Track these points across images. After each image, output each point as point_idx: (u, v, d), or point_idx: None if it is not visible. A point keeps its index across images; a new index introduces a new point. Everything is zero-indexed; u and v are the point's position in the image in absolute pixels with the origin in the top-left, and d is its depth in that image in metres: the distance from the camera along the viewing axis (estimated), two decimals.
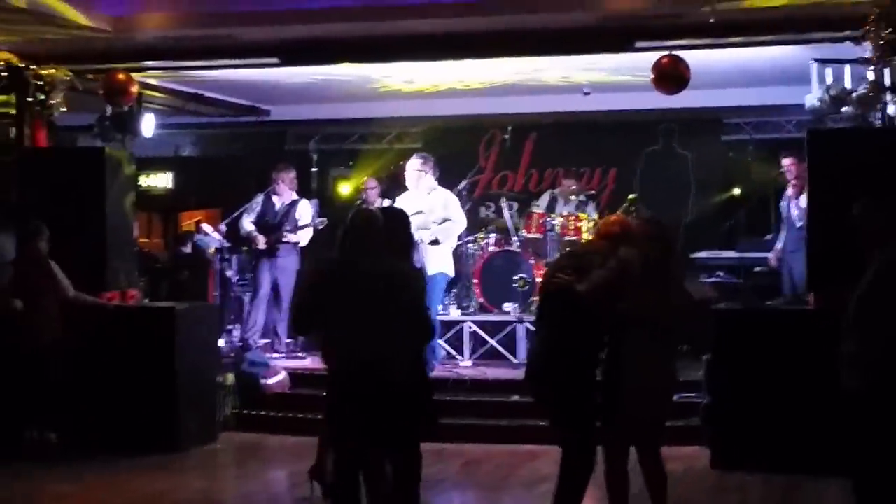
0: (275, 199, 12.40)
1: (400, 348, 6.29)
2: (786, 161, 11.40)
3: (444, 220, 11.10)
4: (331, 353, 6.55)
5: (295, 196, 12.49)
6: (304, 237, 12.32)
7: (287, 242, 12.18)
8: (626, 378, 6.63)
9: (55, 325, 9.46)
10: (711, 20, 9.04)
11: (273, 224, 12.24)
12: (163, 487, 8.57)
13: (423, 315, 6.55)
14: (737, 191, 13.86)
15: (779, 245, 11.58)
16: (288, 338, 12.34)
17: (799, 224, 10.78)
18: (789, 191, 11.39)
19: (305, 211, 12.40)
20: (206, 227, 13.22)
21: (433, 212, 11.10)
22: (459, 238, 11.83)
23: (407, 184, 11.43)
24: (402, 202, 11.16)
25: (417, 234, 10.49)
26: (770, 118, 13.72)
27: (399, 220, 6.91)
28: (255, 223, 12.27)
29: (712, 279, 12.29)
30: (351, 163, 14.56)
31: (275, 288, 12.21)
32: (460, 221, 11.44)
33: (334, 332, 6.44)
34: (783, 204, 11.55)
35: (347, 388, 6.35)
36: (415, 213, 10.92)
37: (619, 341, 6.70)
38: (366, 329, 6.25)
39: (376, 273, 6.34)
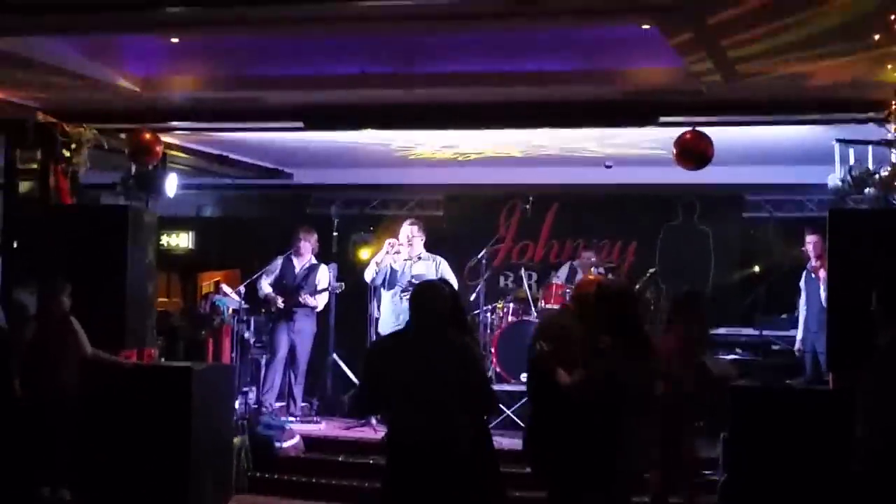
0: (295, 261, 12.46)
1: (464, 422, 6.23)
2: (810, 238, 11.34)
3: None
4: (398, 433, 6.47)
5: (314, 260, 12.56)
6: (321, 302, 12.37)
7: (305, 306, 12.22)
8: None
9: (73, 382, 9.46)
10: (735, 97, 9.11)
11: (291, 287, 12.29)
12: None
13: (485, 387, 6.47)
14: (756, 268, 13.83)
15: (800, 325, 11.53)
16: (303, 401, 12.34)
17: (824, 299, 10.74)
18: (813, 265, 11.33)
19: (324, 276, 12.46)
20: (225, 288, 13.24)
21: (428, 276, 11.15)
22: (477, 306, 11.85)
23: (400, 249, 11.53)
24: (393, 266, 11.30)
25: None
26: (792, 196, 13.72)
27: (456, 292, 6.92)
28: (273, 285, 12.33)
29: (730, 356, 12.24)
30: (372, 228, 14.60)
31: (291, 351, 12.26)
32: (455, 284, 11.50)
33: (402, 412, 6.39)
34: (803, 282, 11.52)
35: (416, 466, 6.28)
36: (409, 280, 11.11)
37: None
38: (435, 405, 6.22)
39: (442, 347, 6.32)
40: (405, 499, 6.35)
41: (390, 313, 11.60)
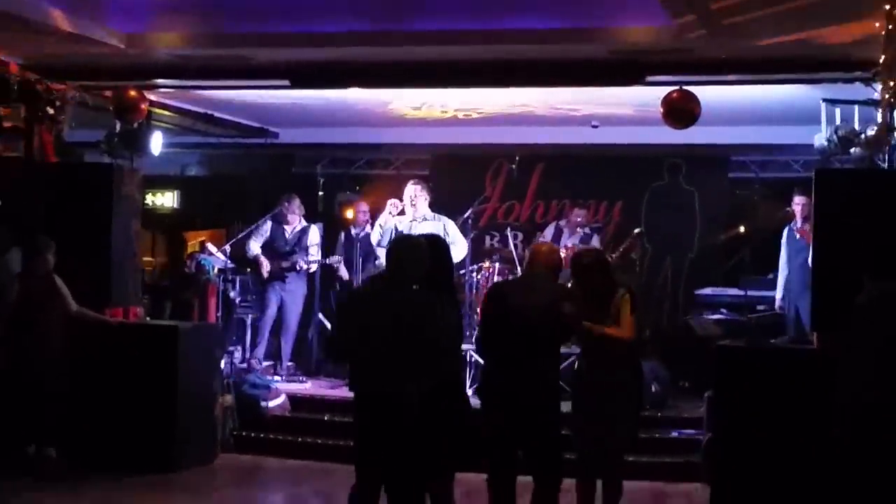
0: (285, 226, 12.46)
1: (423, 378, 6.24)
2: (799, 199, 11.32)
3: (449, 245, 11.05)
4: (356, 381, 6.53)
5: (304, 223, 12.56)
6: (313, 266, 12.41)
7: (299, 271, 12.25)
8: None
9: (58, 340, 9.45)
10: (723, 56, 9.09)
11: (284, 251, 12.31)
12: None
13: (442, 345, 6.46)
14: (742, 228, 13.84)
15: (781, 285, 11.58)
16: (289, 361, 12.36)
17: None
18: (799, 226, 11.34)
19: (315, 236, 12.49)
20: (210, 247, 13.22)
21: None
22: (463, 266, 11.82)
23: (404, 209, 11.47)
24: (399, 227, 11.23)
25: None
26: (777, 157, 13.73)
27: (438, 247, 6.87)
28: (263, 248, 12.34)
29: (715, 316, 12.28)
30: (358, 188, 14.58)
31: (280, 311, 12.28)
32: (463, 245, 11.48)
33: (361, 361, 6.43)
34: (784, 241, 11.55)
35: (370, 416, 6.34)
36: None
37: None
38: (390, 358, 6.22)
39: (405, 302, 6.32)
40: (365, 446, 6.43)
41: None
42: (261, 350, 12.34)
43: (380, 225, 11.70)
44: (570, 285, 7.64)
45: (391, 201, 11.69)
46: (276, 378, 11.90)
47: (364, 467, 6.42)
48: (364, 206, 13.00)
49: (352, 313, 6.54)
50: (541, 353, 6.97)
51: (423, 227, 11.18)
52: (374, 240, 11.77)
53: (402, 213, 11.57)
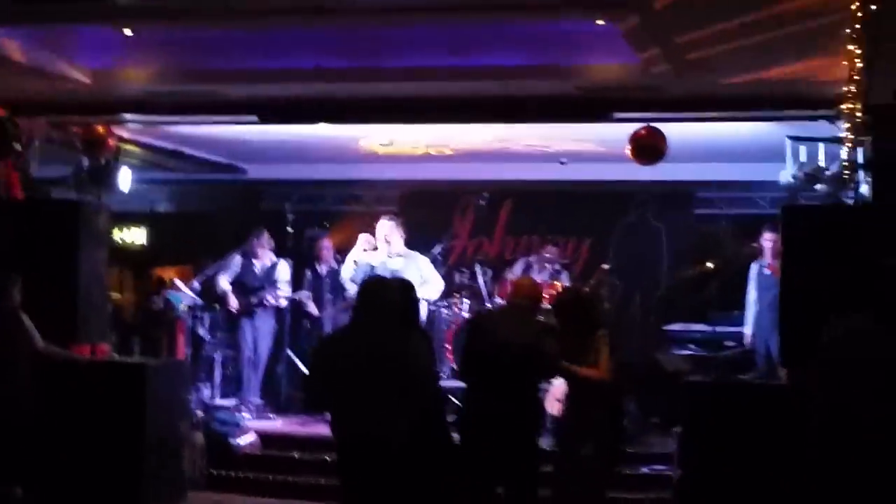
0: (254, 261, 12.42)
1: (404, 417, 6.21)
2: (769, 235, 11.39)
3: (422, 283, 11.01)
4: (336, 424, 6.51)
5: (274, 258, 12.53)
6: (283, 301, 12.37)
7: (267, 306, 12.20)
8: None
9: (23, 377, 9.36)
10: (689, 94, 9.18)
11: (254, 286, 12.27)
12: None
13: (424, 382, 6.43)
14: (709, 264, 13.90)
15: (750, 321, 11.62)
16: (259, 398, 12.30)
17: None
18: (770, 262, 11.39)
19: (284, 272, 12.45)
20: (178, 283, 13.16)
21: (408, 275, 11.05)
22: (433, 303, 11.82)
23: (377, 245, 11.42)
24: (372, 263, 11.18)
25: None
26: (743, 193, 13.82)
27: (407, 288, 6.87)
28: (233, 283, 12.28)
29: (684, 352, 12.30)
30: (327, 224, 14.56)
31: (254, 347, 12.24)
32: (438, 283, 11.45)
33: (340, 404, 6.41)
34: (754, 278, 11.60)
35: (352, 458, 6.34)
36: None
37: None
38: (368, 399, 6.22)
39: (380, 343, 6.31)
40: (349, 488, 6.39)
41: None
42: (246, 391, 12.30)
43: (354, 261, 11.53)
44: (550, 322, 7.65)
45: (363, 236, 11.62)
46: (245, 415, 11.82)
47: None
48: (328, 243, 12.99)
49: (326, 358, 6.53)
50: (521, 386, 6.97)
51: (396, 263, 11.14)
52: (345, 275, 11.61)
53: (374, 248, 11.50)
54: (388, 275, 10.82)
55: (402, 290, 6.69)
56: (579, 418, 7.28)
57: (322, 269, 12.75)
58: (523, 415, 7.01)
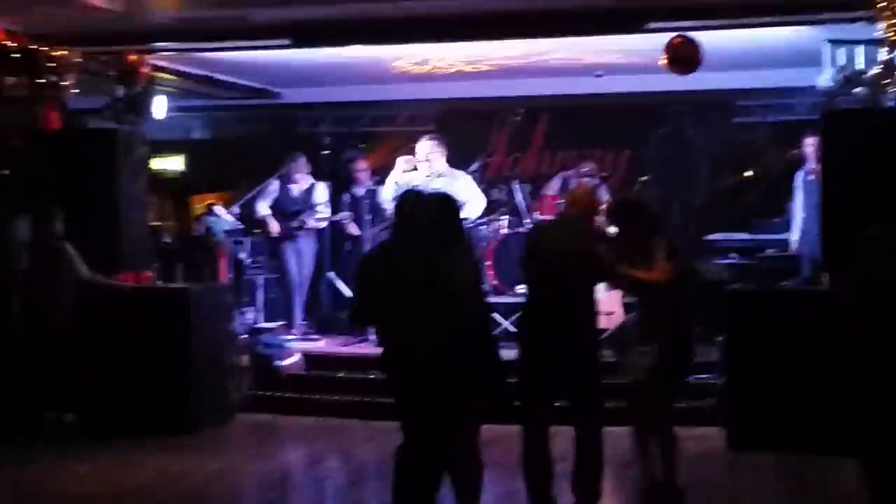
0: (292, 186, 12.45)
1: (442, 330, 6.24)
2: (809, 140, 11.22)
3: (465, 202, 10.94)
4: (379, 338, 6.60)
5: (311, 180, 12.54)
6: (322, 223, 12.40)
7: (307, 229, 12.26)
8: None
9: (69, 306, 9.50)
10: (724, 0, 9.05)
11: (292, 210, 12.31)
12: (179, 468, 8.61)
13: (467, 300, 6.44)
14: (748, 173, 13.82)
15: (796, 227, 11.49)
16: (302, 320, 12.40)
17: None
18: (813, 167, 11.23)
19: (322, 194, 12.48)
20: (218, 209, 13.24)
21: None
22: (472, 221, 11.81)
23: (417, 165, 11.38)
24: (414, 183, 11.14)
25: None
26: (782, 100, 13.67)
27: (444, 203, 6.84)
28: (271, 208, 12.33)
29: (725, 261, 12.26)
30: (362, 145, 14.56)
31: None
32: (480, 201, 11.43)
33: (382, 319, 6.48)
34: (799, 184, 11.46)
35: (394, 371, 6.41)
36: None
37: None
38: (408, 313, 6.25)
39: (417, 256, 6.34)
40: (396, 401, 6.45)
41: None
42: (295, 314, 12.38)
43: (395, 182, 11.46)
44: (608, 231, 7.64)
45: (403, 157, 11.58)
46: (290, 337, 11.94)
47: (403, 422, 6.44)
48: (364, 165, 12.96)
49: (367, 274, 6.56)
50: (577, 295, 6.96)
51: (437, 182, 11.05)
52: (387, 195, 11.51)
53: (415, 168, 11.46)
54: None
55: (440, 204, 6.66)
56: (639, 326, 7.29)
57: (359, 190, 12.75)
58: (581, 320, 6.99)
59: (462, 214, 7.34)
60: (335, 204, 12.78)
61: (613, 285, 7.73)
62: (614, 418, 7.04)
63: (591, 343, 7.08)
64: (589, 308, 7.12)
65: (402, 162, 11.51)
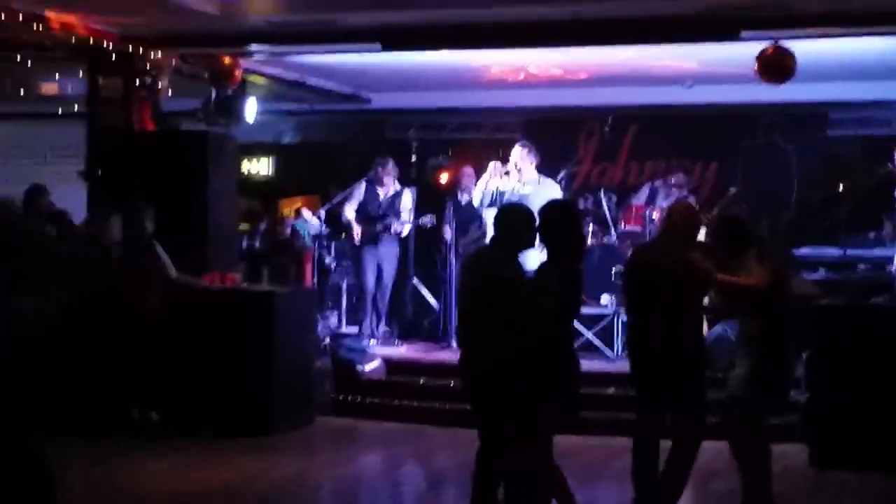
0: (379, 189, 12.46)
1: (503, 344, 6.23)
2: None
3: None
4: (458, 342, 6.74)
5: (398, 186, 12.55)
6: (406, 229, 12.41)
7: (391, 233, 12.27)
8: None
9: (159, 305, 9.61)
10: (820, 10, 8.92)
11: (376, 215, 12.32)
12: (259, 468, 8.67)
13: (523, 318, 6.38)
14: (841, 186, 13.61)
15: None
16: (385, 325, 12.42)
17: None
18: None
19: (408, 200, 12.48)
20: (305, 213, 13.35)
21: (537, 201, 10.92)
22: None
23: (508, 171, 11.35)
24: (503, 190, 11.13)
25: None
26: (878, 113, 13.44)
27: (564, 215, 6.83)
28: (357, 211, 12.35)
29: (814, 276, 12.08)
30: (450, 152, 14.58)
31: (378, 275, 12.30)
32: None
33: (461, 323, 6.70)
34: None
35: (465, 378, 6.50)
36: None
37: None
38: (477, 323, 6.33)
39: (492, 269, 6.38)
40: (471, 407, 6.53)
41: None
42: (367, 321, 12.39)
43: (480, 188, 11.49)
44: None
45: (493, 164, 11.54)
46: (372, 342, 11.97)
47: (479, 428, 6.47)
48: (469, 171, 12.75)
49: (460, 279, 6.67)
50: (681, 312, 6.90)
51: (526, 189, 11.07)
52: (475, 202, 11.60)
53: (506, 174, 11.43)
54: (517, 201, 10.86)
55: (511, 216, 6.67)
56: (736, 338, 7.24)
57: (464, 197, 12.53)
58: (688, 343, 6.94)
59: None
60: (439, 210, 12.61)
61: (717, 295, 7.61)
62: (709, 432, 7.01)
63: (697, 362, 7.01)
64: (695, 326, 7.08)
65: (491, 168, 11.48)
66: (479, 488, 6.45)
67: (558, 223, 6.56)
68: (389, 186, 12.50)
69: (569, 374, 6.60)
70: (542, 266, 6.53)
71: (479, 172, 11.83)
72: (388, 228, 12.25)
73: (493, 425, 6.34)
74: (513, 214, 6.71)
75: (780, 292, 7.02)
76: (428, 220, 12.42)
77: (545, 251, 6.66)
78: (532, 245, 6.64)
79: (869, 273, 11.59)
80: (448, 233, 12.32)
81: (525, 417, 6.31)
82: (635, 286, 7.17)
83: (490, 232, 7.30)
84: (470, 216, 12.17)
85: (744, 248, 7.14)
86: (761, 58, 9.49)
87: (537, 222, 6.55)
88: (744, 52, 9.88)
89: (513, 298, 6.28)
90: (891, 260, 11.31)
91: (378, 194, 12.46)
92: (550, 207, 6.80)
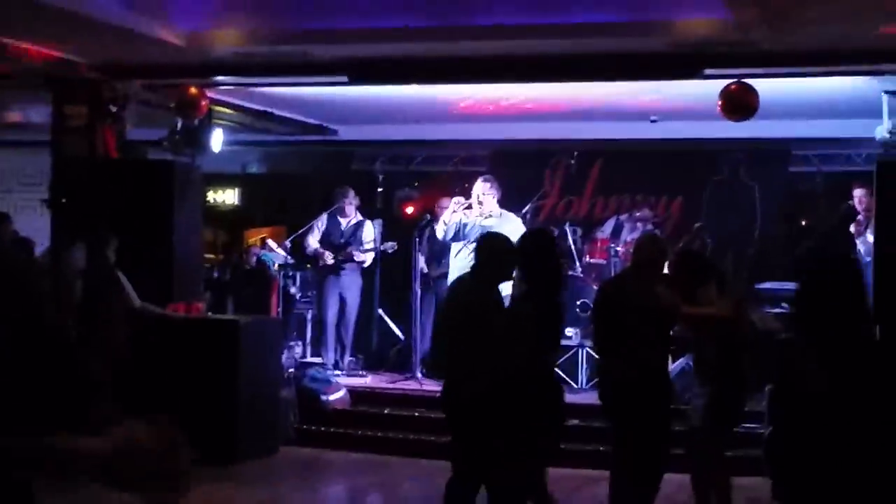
0: (341, 219, 12.49)
1: (481, 376, 6.25)
2: (857, 192, 11.15)
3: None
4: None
5: (360, 216, 12.58)
6: (368, 258, 12.41)
7: (353, 262, 12.27)
8: None
9: (122, 334, 9.57)
10: (782, 48, 9.02)
11: (339, 244, 12.34)
12: (224, 496, 8.69)
13: (498, 348, 6.40)
14: (803, 222, 13.73)
15: None
16: (351, 355, 12.42)
17: (867, 260, 10.61)
18: (853, 228, 11.18)
19: (370, 232, 12.50)
20: (270, 243, 13.35)
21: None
22: None
23: (470, 205, 11.40)
24: (465, 222, 11.18)
25: None
26: (839, 150, 13.59)
27: (540, 245, 6.88)
28: (320, 242, 12.38)
29: (777, 310, 12.16)
30: (416, 184, 14.62)
31: (340, 307, 12.30)
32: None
33: (442, 351, 6.82)
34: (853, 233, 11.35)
35: (444, 406, 6.63)
36: None
37: None
38: (456, 353, 6.43)
39: (469, 299, 6.44)
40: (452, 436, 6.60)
41: (457, 267, 11.40)
42: (330, 352, 12.38)
43: (444, 221, 11.56)
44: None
45: (455, 198, 11.59)
46: (337, 372, 11.96)
47: (454, 458, 6.48)
48: (446, 202, 12.67)
49: (441, 307, 6.68)
50: (651, 345, 6.95)
51: (488, 222, 11.14)
52: (438, 235, 11.68)
53: (468, 208, 11.48)
54: (478, 231, 10.92)
55: (487, 245, 6.72)
56: (694, 369, 7.30)
57: (439, 229, 12.48)
58: (655, 377, 6.99)
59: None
60: (408, 241, 12.59)
61: (684, 327, 7.67)
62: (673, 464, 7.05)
63: (665, 395, 7.06)
64: (663, 359, 7.14)
65: (454, 203, 11.53)
66: None
67: (533, 254, 6.61)
68: (351, 216, 12.52)
69: (551, 404, 6.63)
70: (521, 297, 6.57)
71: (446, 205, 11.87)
72: (350, 258, 12.26)
73: (475, 452, 6.33)
74: (493, 243, 6.76)
75: (740, 322, 7.11)
76: (390, 245, 12.41)
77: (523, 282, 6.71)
78: (511, 275, 6.70)
79: None
80: (421, 262, 12.32)
81: (508, 445, 6.33)
82: (604, 320, 7.21)
83: (454, 265, 7.39)
84: (443, 247, 12.20)
85: (705, 281, 7.23)
86: (725, 94, 9.58)
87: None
88: (708, 89, 9.98)
89: (490, 326, 6.32)
90: None
91: (340, 223, 12.48)
92: (525, 238, 6.86)
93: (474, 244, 6.78)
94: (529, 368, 6.49)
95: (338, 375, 11.82)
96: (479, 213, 11.34)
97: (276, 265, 12.94)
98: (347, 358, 12.40)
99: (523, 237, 6.87)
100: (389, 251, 12.41)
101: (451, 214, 11.50)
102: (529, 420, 6.44)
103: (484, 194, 11.37)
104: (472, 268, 6.76)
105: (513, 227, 11.16)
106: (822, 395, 7.68)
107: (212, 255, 13.61)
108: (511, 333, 6.40)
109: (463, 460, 6.46)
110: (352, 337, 12.53)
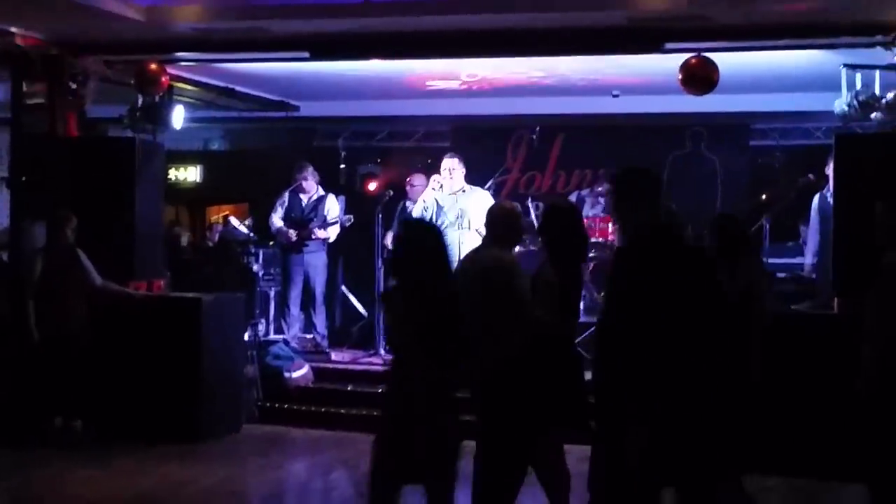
0: (301, 195, 12.44)
1: (502, 344, 6.26)
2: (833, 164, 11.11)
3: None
4: None
5: (321, 191, 12.53)
6: (332, 233, 12.36)
7: (316, 239, 12.24)
8: None
9: (82, 313, 9.55)
10: (742, 22, 9.06)
11: (300, 220, 12.30)
12: (188, 474, 8.67)
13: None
14: (763, 196, 13.80)
15: (811, 251, 11.37)
16: (315, 332, 12.40)
17: None
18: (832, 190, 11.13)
19: (333, 206, 12.45)
20: (233, 220, 13.30)
21: (471, 209, 10.99)
22: None
23: (440, 183, 11.36)
24: (439, 201, 11.16)
25: (460, 235, 10.53)
26: (799, 124, 13.67)
27: (561, 216, 6.89)
28: (283, 219, 12.33)
29: None
30: (379, 160, 14.60)
31: (305, 284, 12.28)
32: None
33: None
34: (816, 208, 11.35)
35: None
36: (457, 213, 11.03)
37: None
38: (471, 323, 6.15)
39: (478, 266, 6.49)
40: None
41: None
42: (295, 328, 12.38)
43: (422, 200, 11.44)
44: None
45: (434, 177, 11.51)
46: (298, 349, 11.91)
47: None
48: (420, 179, 12.41)
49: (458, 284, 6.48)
50: None
51: (463, 198, 11.19)
52: (416, 212, 11.53)
53: (441, 186, 11.45)
54: (456, 211, 10.92)
55: (512, 214, 6.77)
56: None
57: (410, 205, 12.19)
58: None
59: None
60: (373, 217, 12.53)
61: None
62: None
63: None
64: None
65: (432, 181, 11.45)
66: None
67: (565, 224, 6.63)
68: (312, 191, 12.45)
69: (572, 375, 6.58)
70: (543, 263, 6.57)
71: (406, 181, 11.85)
72: (311, 234, 12.21)
73: (495, 424, 6.32)
74: (503, 212, 6.77)
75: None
76: (346, 218, 12.32)
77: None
78: (520, 241, 6.74)
79: (790, 281, 11.77)
80: (387, 239, 12.26)
81: (527, 415, 6.31)
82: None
83: None
84: None
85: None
86: (685, 68, 9.61)
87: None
88: (668, 63, 10.01)
89: (512, 285, 6.31)
90: (807, 267, 11.46)
91: (301, 199, 12.42)
92: (553, 209, 6.88)
93: (485, 217, 6.73)
94: (556, 329, 6.47)
95: (301, 353, 11.72)
96: (450, 190, 11.29)
97: (239, 242, 12.86)
98: (311, 335, 12.36)
99: (548, 210, 6.88)
100: (346, 224, 12.33)
101: (430, 192, 11.42)
102: (546, 394, 6.41)
103: (453, 169, 11.34)
104: (487, 237, 6.71)
105: (482, 199, 11.19)
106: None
107: (173, 232, 13.53)
108: (536, 295, 6.41)
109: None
110: (323, 313, 12.44)
